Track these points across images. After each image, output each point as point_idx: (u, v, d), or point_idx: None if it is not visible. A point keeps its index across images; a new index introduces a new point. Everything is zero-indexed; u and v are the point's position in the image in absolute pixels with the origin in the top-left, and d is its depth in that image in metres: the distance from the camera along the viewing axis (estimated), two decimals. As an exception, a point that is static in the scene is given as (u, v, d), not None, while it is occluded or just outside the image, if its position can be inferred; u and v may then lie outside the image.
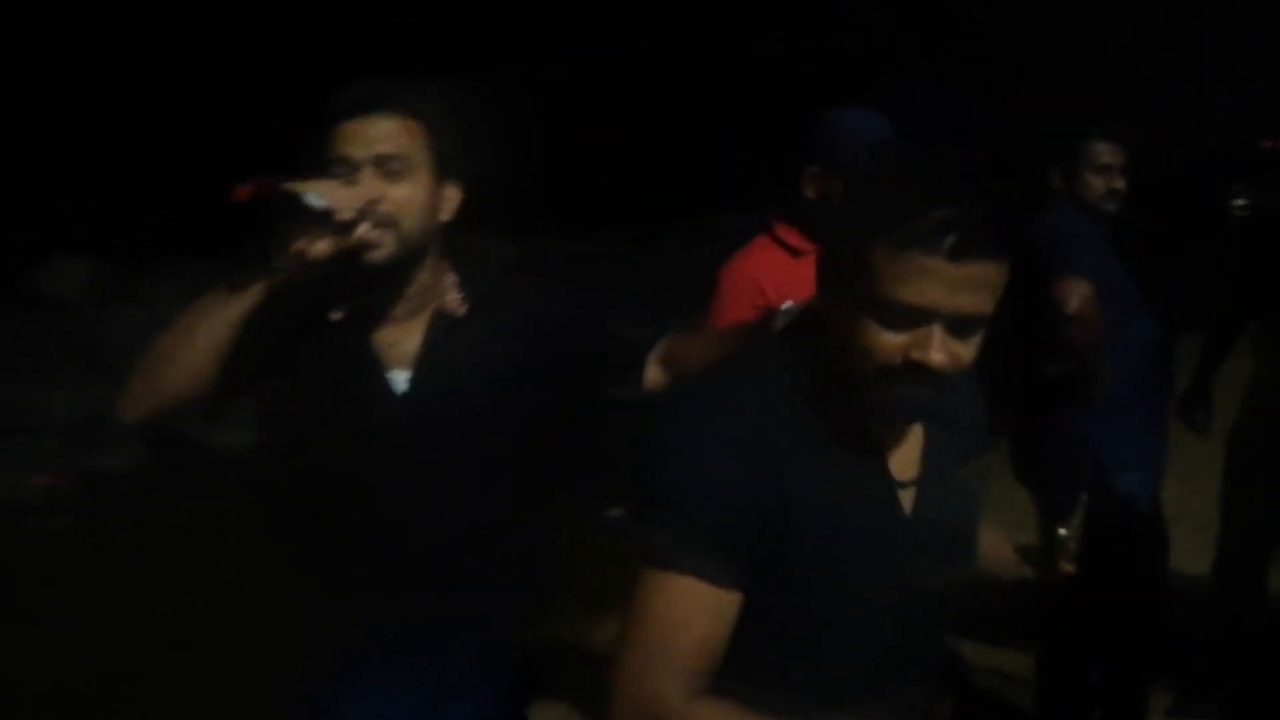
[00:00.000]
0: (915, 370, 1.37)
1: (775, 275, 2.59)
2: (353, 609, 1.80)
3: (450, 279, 1.90)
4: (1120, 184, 3.10)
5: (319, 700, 1.84)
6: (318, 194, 1.63)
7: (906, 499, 1.55)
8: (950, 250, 1.30)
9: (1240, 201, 9.44)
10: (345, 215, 1.65)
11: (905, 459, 1.57)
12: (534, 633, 1.99)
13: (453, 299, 1.88)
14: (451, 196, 1.85)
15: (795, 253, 2.63)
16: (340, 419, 1.77)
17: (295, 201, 1.61)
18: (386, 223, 1.72)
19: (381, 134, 1.74)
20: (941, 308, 1.34)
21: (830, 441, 1.48)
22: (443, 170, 1.81)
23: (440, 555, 1.81)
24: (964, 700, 3.14)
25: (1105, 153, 3.11)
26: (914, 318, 1.35)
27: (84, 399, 8.26)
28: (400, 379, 1.81)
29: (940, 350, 1.35)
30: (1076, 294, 2.81)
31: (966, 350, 1.40)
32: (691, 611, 1.38)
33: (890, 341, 1.37)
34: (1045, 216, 3.04)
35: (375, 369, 1.80)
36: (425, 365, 1.81)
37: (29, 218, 8.72)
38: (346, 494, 1.77)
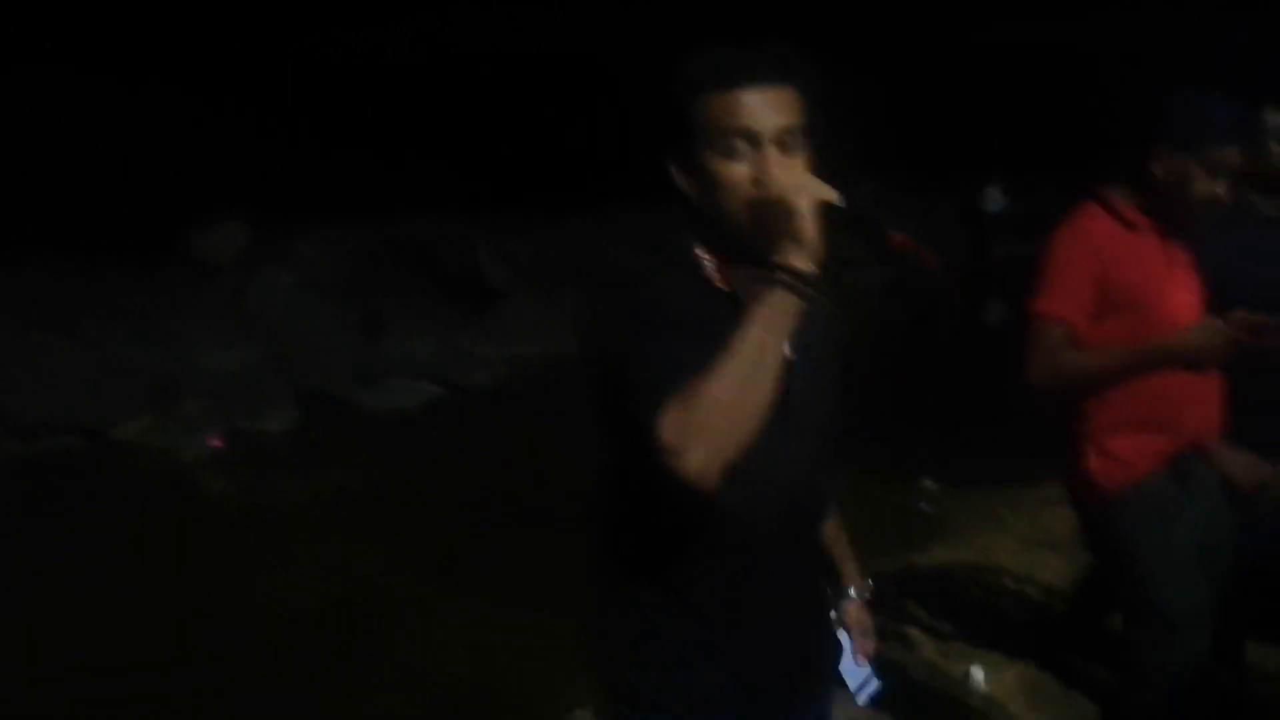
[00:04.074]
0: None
1: (1114, 246, 2.56)
2: (710, 583, 1.79)
3: None
4: None
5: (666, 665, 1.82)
6: (836, 193, 1.59)
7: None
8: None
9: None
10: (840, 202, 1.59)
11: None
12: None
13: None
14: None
15: (1131, 226, 2.63)
16: None
17: (834, 210, 1.57)
18: None
19: (784, 105, 1.68)
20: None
21: None
22: (812, 138, 1.73)
23: (805, 526, 1.85)
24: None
25: None
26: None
27: (238, 360, 8.61)
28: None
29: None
30: None
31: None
32: None
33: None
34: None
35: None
36: (803, 333, 1.72)
37: (187, 180, 9.01)
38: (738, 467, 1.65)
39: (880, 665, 2.08)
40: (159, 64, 8.96)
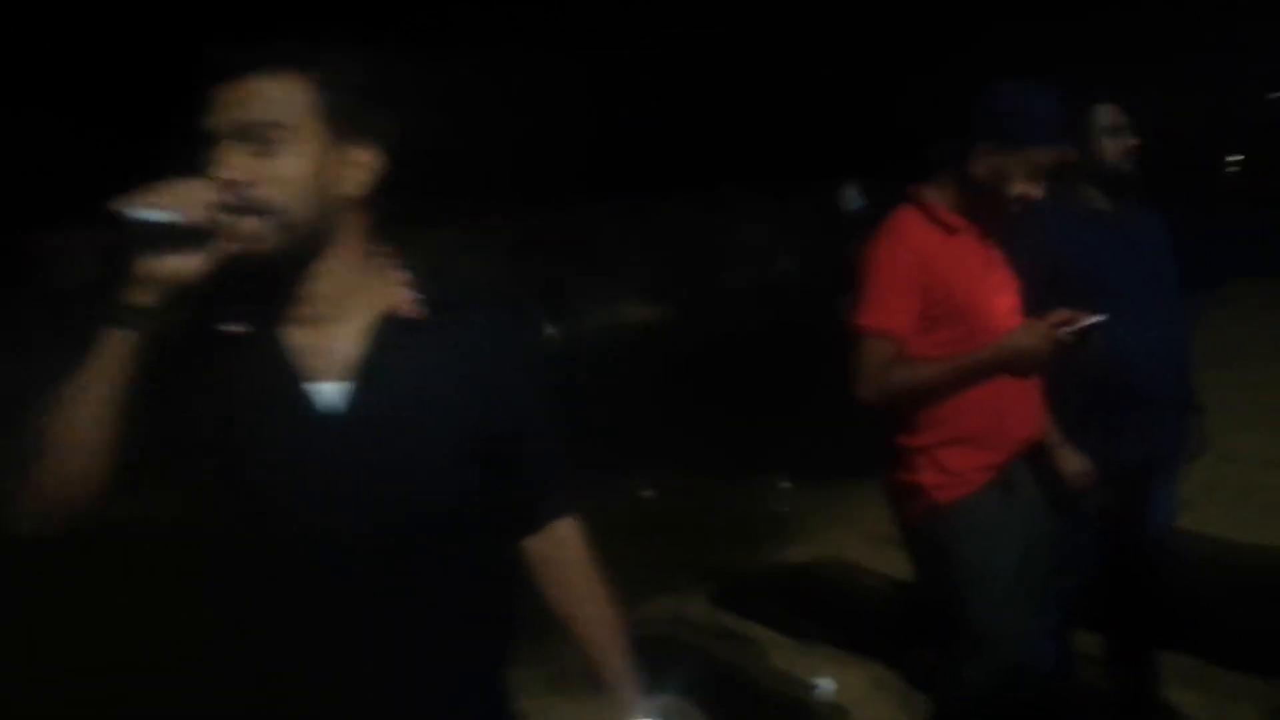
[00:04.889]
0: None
1: (935, 254, 2.47)
2: (294, 649, 1.55)
3: (400, 275, 1.61)
4: (1134, 142, 3.05)
5: None
6: (148, 205, 1.32)
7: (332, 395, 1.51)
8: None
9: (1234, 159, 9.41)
10: (198, 216, 1.34)
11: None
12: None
13: (405, 300, 1.59)
14: (359, 163, 1.51)
15: (949, 230, 2.53)
16: (256, 442, 1.49)
17: (127, 223, 1.30)
18: (260, 209, 1.41)
19: (245, 98, 1.43)
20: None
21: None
22: (340, 132, 1.49)
23: (387, 582, 1.54)
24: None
25: (1111, 114, 3.07)
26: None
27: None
28: (330, 392, 1.51)
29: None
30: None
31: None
32: None
33: None
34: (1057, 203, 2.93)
35: (292, 382, 1.50)
36: (366, 377, 1.53)
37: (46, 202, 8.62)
38: (271, 528, 1.52)
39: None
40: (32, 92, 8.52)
